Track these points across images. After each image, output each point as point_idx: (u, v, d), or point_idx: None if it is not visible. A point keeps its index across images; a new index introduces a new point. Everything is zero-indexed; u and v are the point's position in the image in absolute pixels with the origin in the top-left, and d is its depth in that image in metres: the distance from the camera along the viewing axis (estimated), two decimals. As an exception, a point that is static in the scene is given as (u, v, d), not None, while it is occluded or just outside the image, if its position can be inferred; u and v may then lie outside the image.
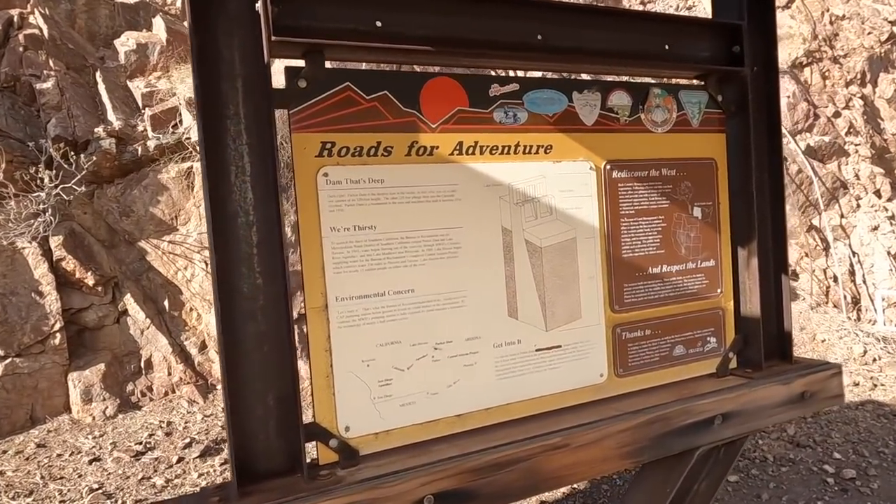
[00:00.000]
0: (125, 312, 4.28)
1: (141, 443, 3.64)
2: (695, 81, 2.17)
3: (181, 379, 4.16)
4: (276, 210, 1.50)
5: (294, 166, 1.55)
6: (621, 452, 1.81)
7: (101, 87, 4.90)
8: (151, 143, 4.43)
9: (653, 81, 2.07)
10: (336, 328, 1.58)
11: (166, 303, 4.39)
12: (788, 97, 7.50)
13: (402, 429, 1.67)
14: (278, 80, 1.52)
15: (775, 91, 2.22)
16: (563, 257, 1.89)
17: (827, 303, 6.56)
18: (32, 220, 3.85)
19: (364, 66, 1.74)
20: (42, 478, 3.22)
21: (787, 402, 2.14)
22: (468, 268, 1.74)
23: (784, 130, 7.07)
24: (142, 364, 4.21)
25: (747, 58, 2.14)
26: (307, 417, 1.54)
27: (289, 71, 1.54)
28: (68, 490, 3.10)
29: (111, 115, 4.67)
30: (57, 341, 3.87)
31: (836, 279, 6.70)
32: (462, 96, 1.74)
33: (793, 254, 6.78)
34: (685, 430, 1.93)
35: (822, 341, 5.69)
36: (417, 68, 1.96)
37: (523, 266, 1.83)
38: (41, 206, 3.88)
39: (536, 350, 1.85)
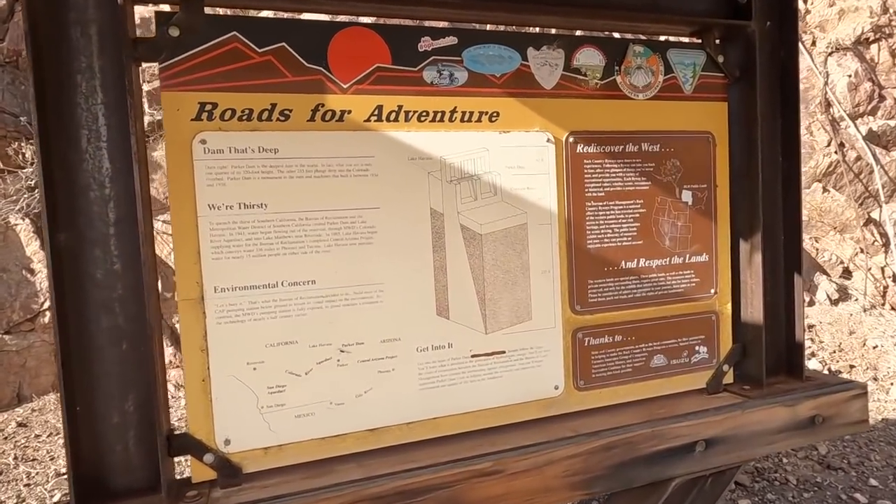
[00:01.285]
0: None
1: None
2: (687, 39, 1.81)
3: (170, 362, 4.07)
4: (140, 183, 1.27)
5: (165, 131, 1.31)
6: (567, 482, 1.51)
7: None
8: (146, 119, 4.32)
9: (632, 37, 1.72)
10: (214, 324, 1.34)
11: (160, 284, 4.31)
12: (850, 76, 6.78)
13: (298, 444, 1.42)
14: (150, 28, 1.28)
15: (793, 52, 1.82)
16: (509, 247, 1.58)
17: (883, 304, 5.93)
18: (25, 195, 3.80)
19: (257, 13, 1.46)
20: (15, 458, 3.16)
21: (791, 427, 1.77)
22: (386, 256, 1.47)
23: (843, 113, 6.41)
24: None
25: (757, 10, 1.76)
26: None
27: (159, 17, 1.30)
28: (36, 473, 3.03)
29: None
30: (46, 319, 3.83)
31: (895, 279, 6.04)
32: (383, 51, 1.46)
33: (847, 249, 6.16)
34: (654, 457, 1.61)
35: (874, 348, 5.12)
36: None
37: (458, 256, 1.54)
38: (33, 182, 3.83)
39: (472, 356, 1.56)
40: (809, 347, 4.94)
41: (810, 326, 5.24)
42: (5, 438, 3.37)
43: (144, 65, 1.32)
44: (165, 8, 1.32)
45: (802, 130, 6.26)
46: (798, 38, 1.78)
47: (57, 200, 1.22)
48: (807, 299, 5.57)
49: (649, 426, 1.61)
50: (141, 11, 1.48)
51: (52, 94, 1.21)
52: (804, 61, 6.45)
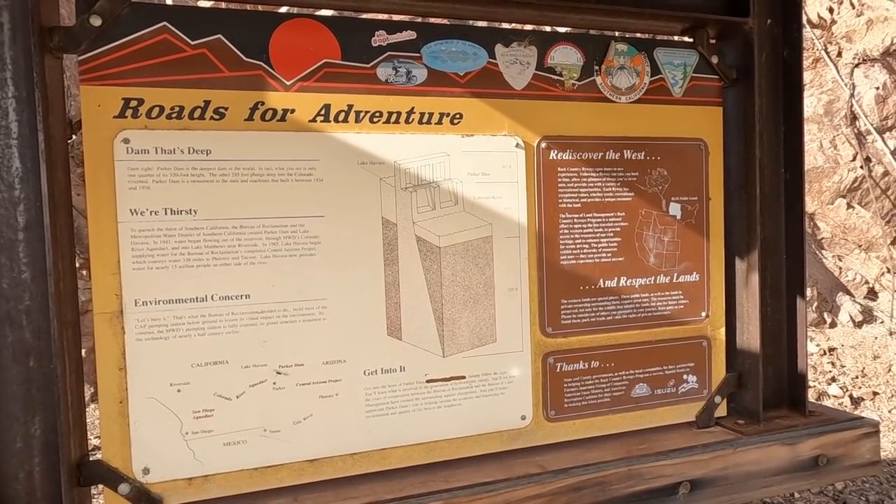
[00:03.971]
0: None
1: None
2: (678, 37, 1.65)
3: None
4: (52, 184, 1.16)
5: (83, 129, 1.20)
6: (528, 527, 1.35)
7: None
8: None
9: (614, 34, 1.57)
10: (134, 340, 1.22)
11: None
12: (878, 88, 6.50)
13: (226, 474, 1.28)
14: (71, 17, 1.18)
15: (796, 52, 1.66)
16: (470, 261, 1.44)
17: (912, 328, 5.60)
18: None
19: (200, 3, 1.35)
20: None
21: (791, 468, 1.59)
22: (330, 269, 1.33)
23: (870, 127, 6.14)
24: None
25: (756, 5, 1.60)
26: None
27: (80, 4, 1.19)
28: None
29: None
30: None
31: (925, 300, 5.72)
32: (331, 45, 1.33)
33: (873, 268, 5.86)
34: (630, 500, 1.44)
35: (901, 373, 4.82)
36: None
37: (412, 271, 1.40)
38: None
39: (427, 381, 1.42)
40: (830, 372, 4.68)
41: (831, 349, 4.97)
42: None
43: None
44: (89, -5, 1.21)
45: (828, 143, 6.02)
46: (802, 37, 1.62)
47: (-43, 202, 1.11)
48: (828, 320, 5.29)
49: (626, 464, 1.45)
50: None
51: (-45, 87, 1.11)
52: (829, 72, 6.20)
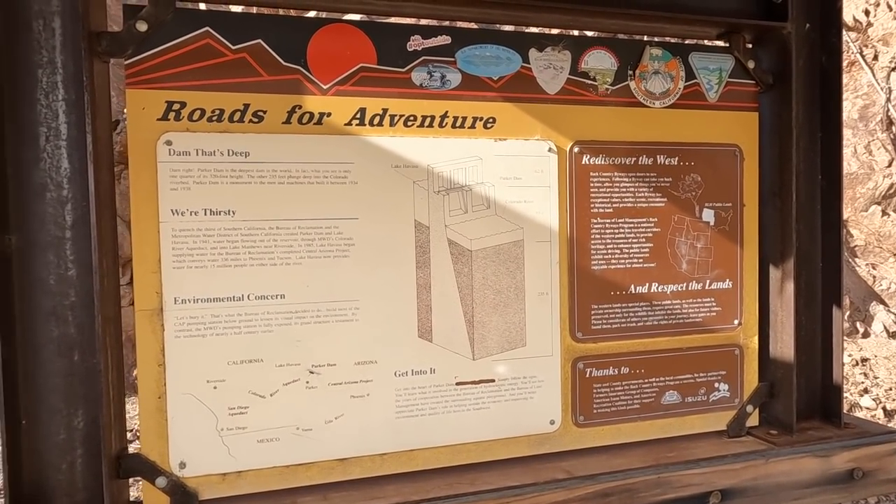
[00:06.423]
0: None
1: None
2: (713, 42, 1.63)
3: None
4: (98, 184, 1.19)
5: (128, 131, 1.23)
6: (555, 532, 1.35)
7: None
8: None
9: (649, 38, 1.56)
10: (172, 337, 1.25)
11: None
12: (916, 92, 6.33)
13: (259, 471, 1.31)
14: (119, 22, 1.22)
15: (835, 57, 1.63)
16: (501, 265, 1.44)
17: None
18: None
19: (239, 8, 1.38)
20: None
21: (824, 480, 1.56)
22: (363, 271, 1.35)
23: (906, 131, 5.97)
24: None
25: (794, 9, 1.58)
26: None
27: (127, 10, 1.23)
28: None
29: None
30: None
31: (963, 311, 5.55)
32: (368, 50, 1.35)
33: (908, 277, 5.70)
34: (659, 508, 1.42)
35: (938, 387, 4.68)
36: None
37: (444, 273, 1.41)
38: None
39: (457, 384, 1.42)
40: (862, 383, 4.56)
41: (864, 360, 4.85)
42: None
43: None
44: (135, 1, 1.25)
45: (862, 149, 5.88)
46: (841, 41, 1.59)
47: (7, 200, 1.15)
48: (861, 330, 5.17)
49: (655, 472, 1.43)
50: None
51: (8, 89, 1.15)
52: (865, 76, 6.06)
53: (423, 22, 1.49)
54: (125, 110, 1.23)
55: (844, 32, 6.10)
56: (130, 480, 1.28)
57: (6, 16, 1.15)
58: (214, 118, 1.27)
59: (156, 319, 1.24)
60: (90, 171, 1.16)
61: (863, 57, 6.20)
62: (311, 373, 1.33)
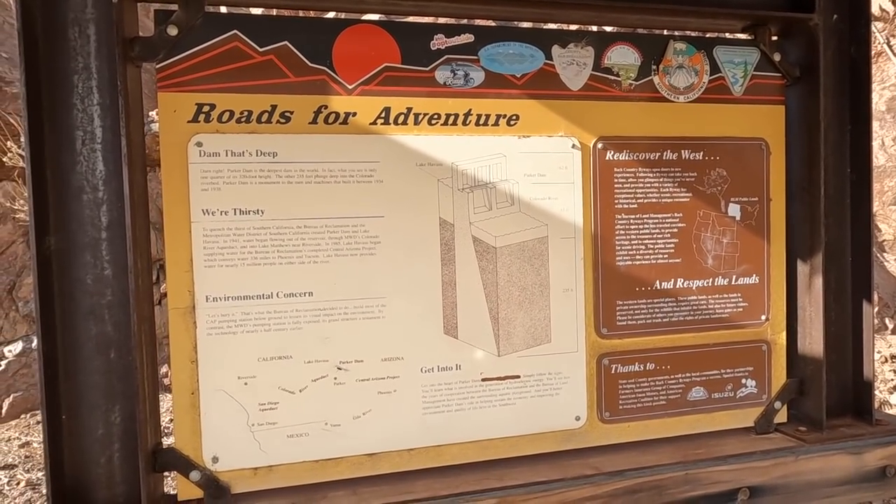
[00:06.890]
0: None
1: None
2: (739, 35, 1.62)
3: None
4: (132, 186, 1.22)
5: (160, 133, 1.26)
6: (583, 528, 1.35)
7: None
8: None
9: (672, 32, 1.55)
10: (205, 334, 1.28)
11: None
12: (946, 83, 6.17)
13: (289, 466, 1.33)
14: (150, 27, 1.25)
15: (864, 49, 1.60)
16: (526, 262, 1.45)
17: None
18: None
19: (259, 10, 1.40)
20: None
21: (857, 478, 1.54)
22: (390, 269, 1.37)
23: (936, 123, 5.83)
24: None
25: (822, 1, 1.56)
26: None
27: (158, 15, 1.26)
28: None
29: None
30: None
31: None
32: (392, 49, 1.37)
33: (939, 272, 5.57)
34: (687, 505, 1.42)
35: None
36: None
37: (469, 270, 1.42)
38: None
39: (483, 380, 1.43)
40: (892, 380, 4.47)
41: (893, 357, 4.75)
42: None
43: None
44: (166, 6, 1.28)
45: (890, 142, 5.76)
46: (870, 32, 1.56)
47: (47, 203, 1.19)
48: (890, 326, 5.06)
49: (683, 468, 1.43)
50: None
51: (47, 95, 1.19)
52: (892, 67, 5.92)
53: (442, 21, 1.50)
54: (149, 113, 1.26)
55: (872, 22, 5.98)
56: (165, 474, 1.32)
57: (44, 25, 1.18)
58: (243, 119, 1.29)
59: (188, 317, 1.27)
60: (125, 174, 1.19)
61: (890, 47, 6.06)
62: (339, 369, 1.35)
